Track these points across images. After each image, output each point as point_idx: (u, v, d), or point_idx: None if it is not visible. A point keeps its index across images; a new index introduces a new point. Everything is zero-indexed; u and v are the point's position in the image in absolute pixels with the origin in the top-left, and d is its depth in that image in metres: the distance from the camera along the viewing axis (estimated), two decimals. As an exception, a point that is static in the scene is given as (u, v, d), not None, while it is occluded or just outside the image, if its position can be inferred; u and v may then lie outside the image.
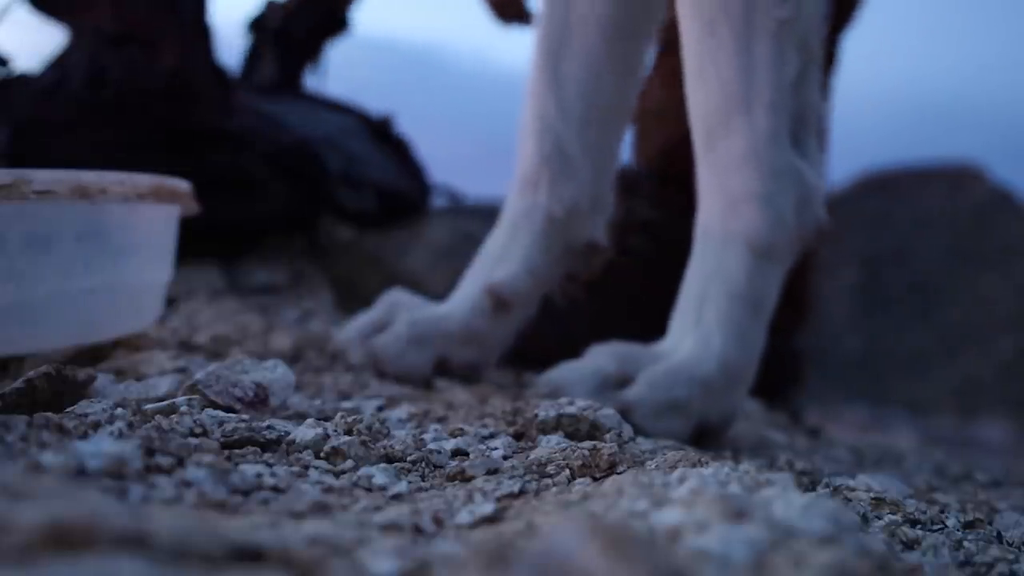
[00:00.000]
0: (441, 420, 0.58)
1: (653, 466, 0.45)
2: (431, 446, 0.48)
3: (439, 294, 0.81)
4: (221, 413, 0.49)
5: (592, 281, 1.05)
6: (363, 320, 0.79)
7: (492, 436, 0.53)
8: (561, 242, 0.79)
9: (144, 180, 0.62)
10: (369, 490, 0.42)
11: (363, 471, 0.44)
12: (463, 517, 0.38)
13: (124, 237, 0.61)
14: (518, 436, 0.54)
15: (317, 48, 1.66)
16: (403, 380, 0.71)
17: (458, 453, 0.49)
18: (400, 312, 0.78)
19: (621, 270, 1.03)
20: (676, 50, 1.01)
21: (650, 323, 1.00)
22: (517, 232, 0.77)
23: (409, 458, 0.47)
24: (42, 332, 0.57)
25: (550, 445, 0.49)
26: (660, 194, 1.02)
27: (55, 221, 0.56)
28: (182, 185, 0.69)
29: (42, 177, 0.54)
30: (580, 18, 0.77)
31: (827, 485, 0.52)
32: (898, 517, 0.47)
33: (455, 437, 0.51)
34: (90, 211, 0.58)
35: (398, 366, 0.71)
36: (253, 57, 1.66)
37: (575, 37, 0.77)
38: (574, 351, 0.72)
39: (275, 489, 0.40)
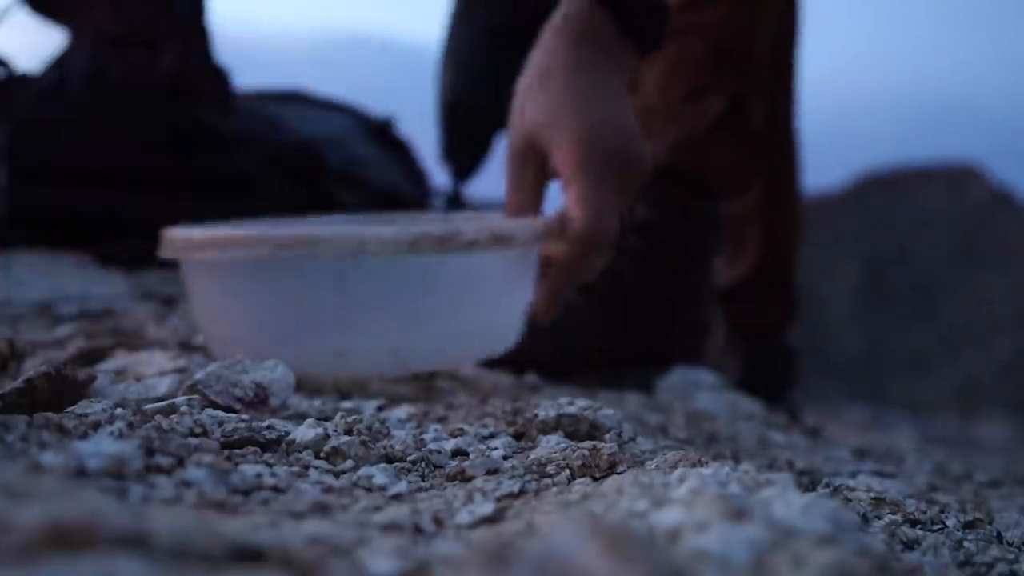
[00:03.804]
0: (441, 420, 0.58)
1: (653, 466, 0.45)
2: (431, 446, 0.48)
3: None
4: (221, 413, 0.49)
5: (588, 282, 1.05)
6: None
7: (492, 436, 0.53)
8: None
9: (537, 224, 0.67)
10: (369, 490, 0.42)
11: (363, 471, 0.44)
12: (463, 517, 0.38)
13: (519, 272, 0.69)
14: (518, 436, 0.54)
15: None
16: None
17: (458, 453, 0.49)
18: None
19: (617, 271, 1.03)
20: (686, 41, 1.00)
21: (646, 325, 1.00)
22: None
23: (409, 458, 0.47)
24: (464, 353, 0.69)
25: (550, 445, 0.49)
26: (658, 191, 1.02)
27: (482, 267, 0.65)
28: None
29: (469, 228, 0.61)
30: None
31: (827, 485, 0.52)
32: (898, 517, 0.46)
33: (455, 437, 0.51)
34: (503, 256, 0.65)
35: None
36: None
37: None
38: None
39: (275, 489, 0.40)
